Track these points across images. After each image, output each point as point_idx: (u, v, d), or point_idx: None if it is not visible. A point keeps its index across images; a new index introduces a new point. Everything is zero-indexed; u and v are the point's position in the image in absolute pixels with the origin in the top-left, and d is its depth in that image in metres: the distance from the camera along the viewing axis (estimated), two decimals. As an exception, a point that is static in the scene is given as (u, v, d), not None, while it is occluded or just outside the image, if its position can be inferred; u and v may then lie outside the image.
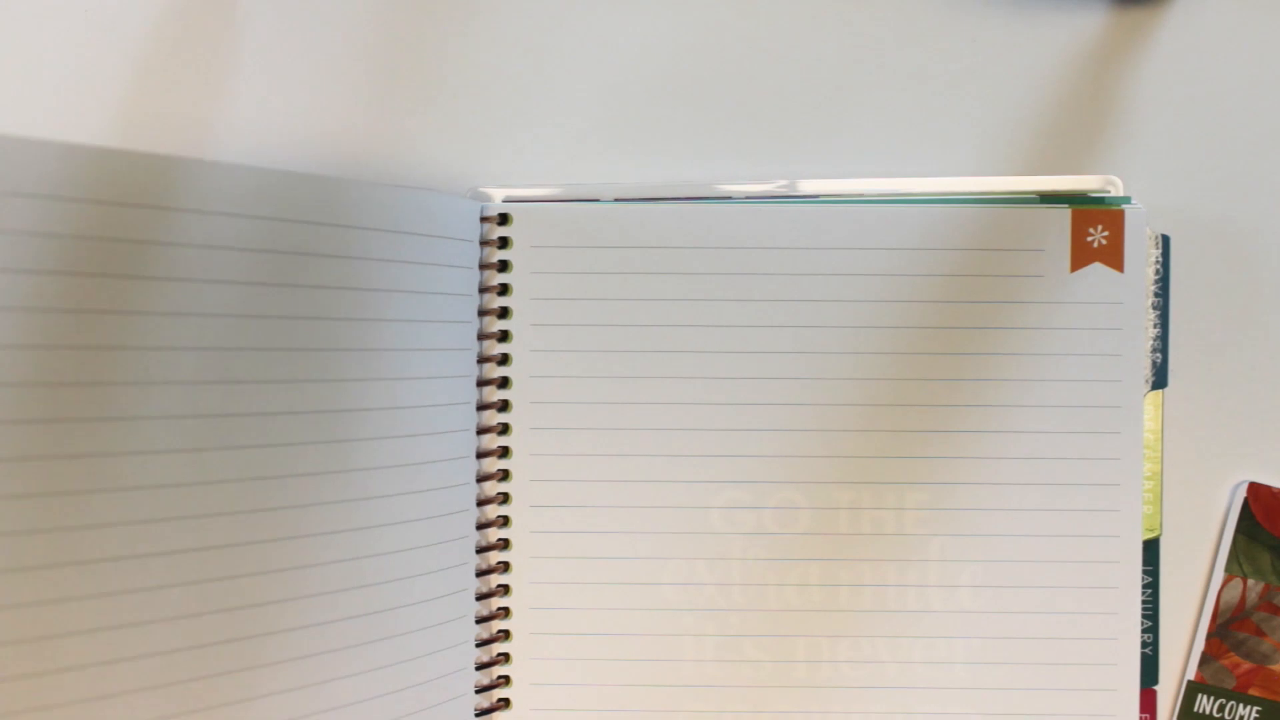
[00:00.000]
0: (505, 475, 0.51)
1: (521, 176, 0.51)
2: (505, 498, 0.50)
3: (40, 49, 0.50)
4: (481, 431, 0.50)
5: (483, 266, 0.50)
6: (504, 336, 0.50)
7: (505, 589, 0.51)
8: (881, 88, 0.51)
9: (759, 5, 0.51)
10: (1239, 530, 0.50)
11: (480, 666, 0.50)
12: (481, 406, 0.50)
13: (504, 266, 0.50)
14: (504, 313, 0.50)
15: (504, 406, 0.50)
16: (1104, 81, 0.51)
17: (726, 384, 0.50)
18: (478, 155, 0.52)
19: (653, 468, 0.50)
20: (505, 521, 0.50)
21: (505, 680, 0.51)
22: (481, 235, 0.50)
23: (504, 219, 0.50)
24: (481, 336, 0.50)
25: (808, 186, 0.50)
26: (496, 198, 0.51)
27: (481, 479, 0.50)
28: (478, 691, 0.50)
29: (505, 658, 0.51)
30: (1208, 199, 0.51)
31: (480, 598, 0.50)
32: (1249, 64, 0.51)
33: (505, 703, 0.51)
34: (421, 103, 0.51)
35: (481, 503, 0.50)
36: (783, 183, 0.51)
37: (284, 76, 0.51)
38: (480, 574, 0.50)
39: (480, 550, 0.50)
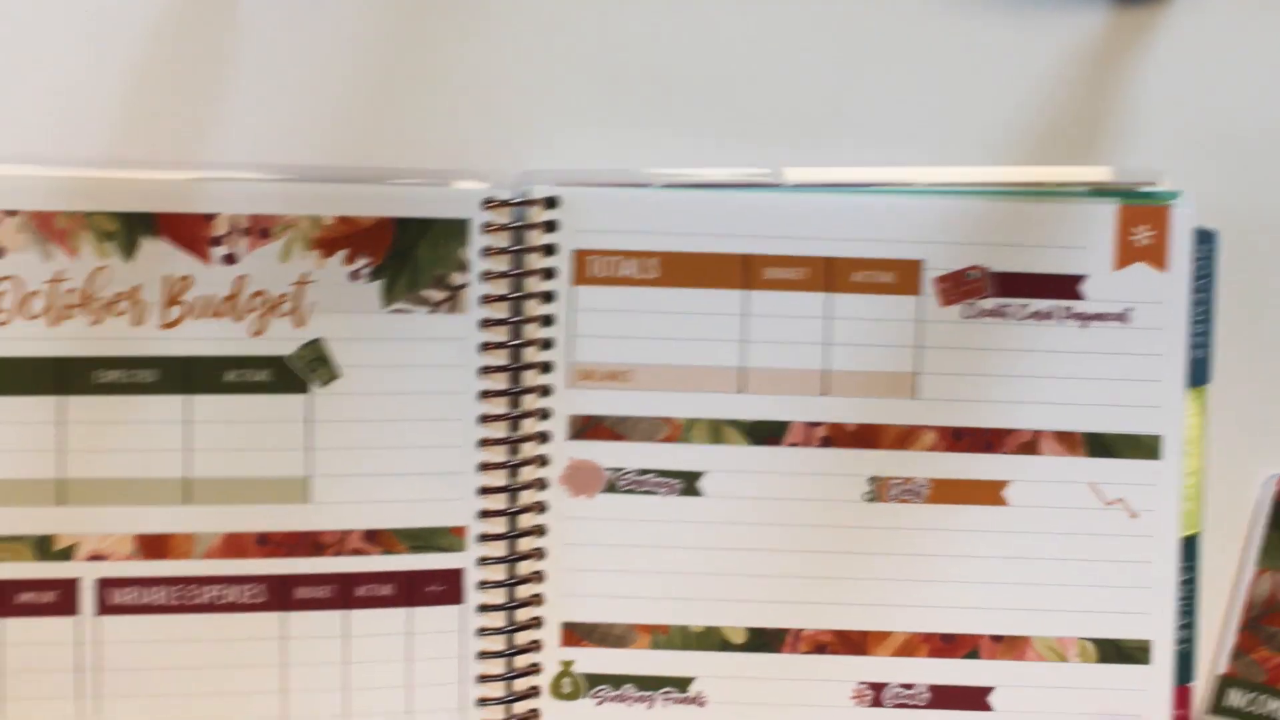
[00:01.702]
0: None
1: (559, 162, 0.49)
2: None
3: (38, 52, 0.47)
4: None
5: (528, 250, 0.48)
6: (547, 321, 0.48)
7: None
8: (882, 88, 0.50)
9: (759, 4, 0.50)
10: (1271, 524, 0.51)
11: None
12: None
13: (549, 250, 0.48)
14: (548, 297, 0.48)
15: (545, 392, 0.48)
16: (1104, 82, 0.51)
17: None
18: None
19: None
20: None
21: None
22: (527, 218, 0.48)
23: (551, 203, 0.48)
24: (527, 320, 0.48)
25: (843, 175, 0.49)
26: (541, 182, 0.49)
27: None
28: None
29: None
30: (1207, 198, 0.51)
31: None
32: (1249, 64, 0.51)
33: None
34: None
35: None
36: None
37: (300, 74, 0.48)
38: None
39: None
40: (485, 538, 0.49)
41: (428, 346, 0.48)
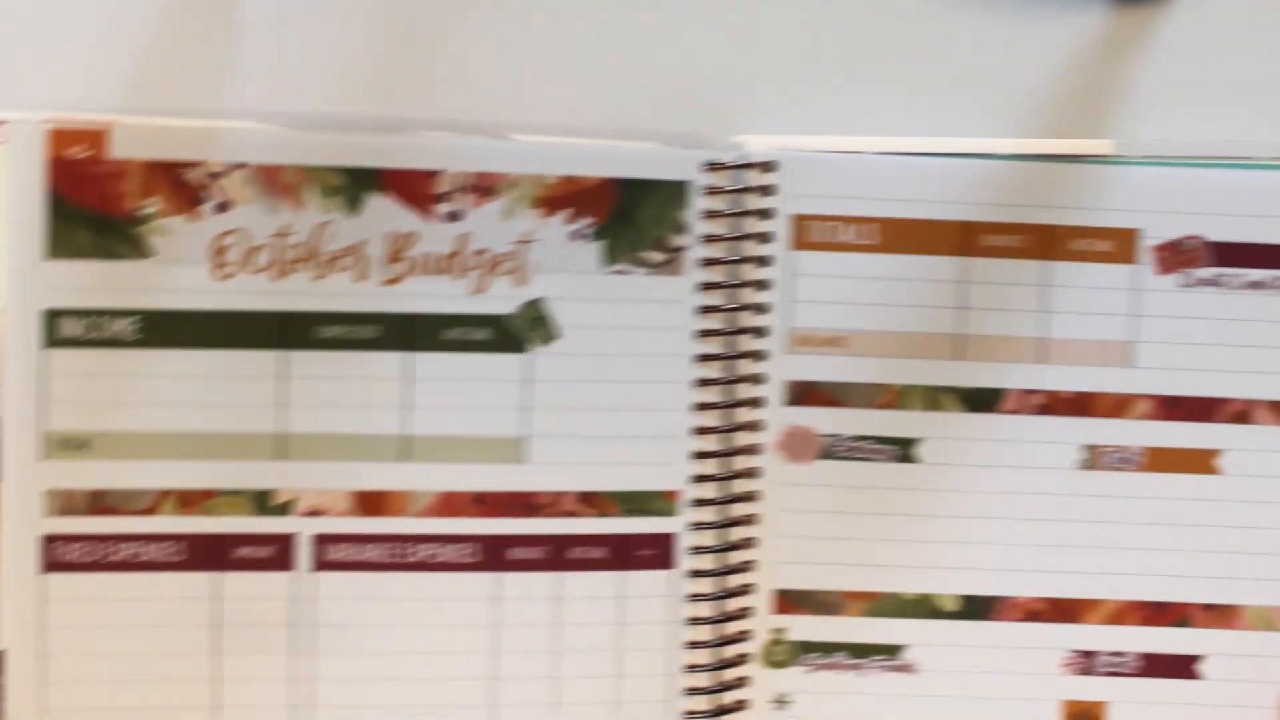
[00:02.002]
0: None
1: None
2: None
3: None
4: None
5: (747, 214, 0.47)
6: (763, 286, 0.48)
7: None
8: (882, 88, 0.50)
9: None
10: None
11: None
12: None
13: (767, 215, 0.48)
14: (765, 262, 0.48)
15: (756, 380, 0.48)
16: (1104, 82, 0.50)
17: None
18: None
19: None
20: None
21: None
22: (746, 182, 0.47)
23: (769, 167, 0.47)
24: (745, 284, 0.48)
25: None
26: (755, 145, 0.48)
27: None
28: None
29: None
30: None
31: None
32: (1249, 64, 0.51)
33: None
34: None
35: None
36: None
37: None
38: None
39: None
40: (697, 503, 0.48)
41: (646, 308, 0.47)
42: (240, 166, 0.45)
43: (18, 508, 0.44)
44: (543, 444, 0.47)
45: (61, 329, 0.44)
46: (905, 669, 0.49)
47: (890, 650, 0.49)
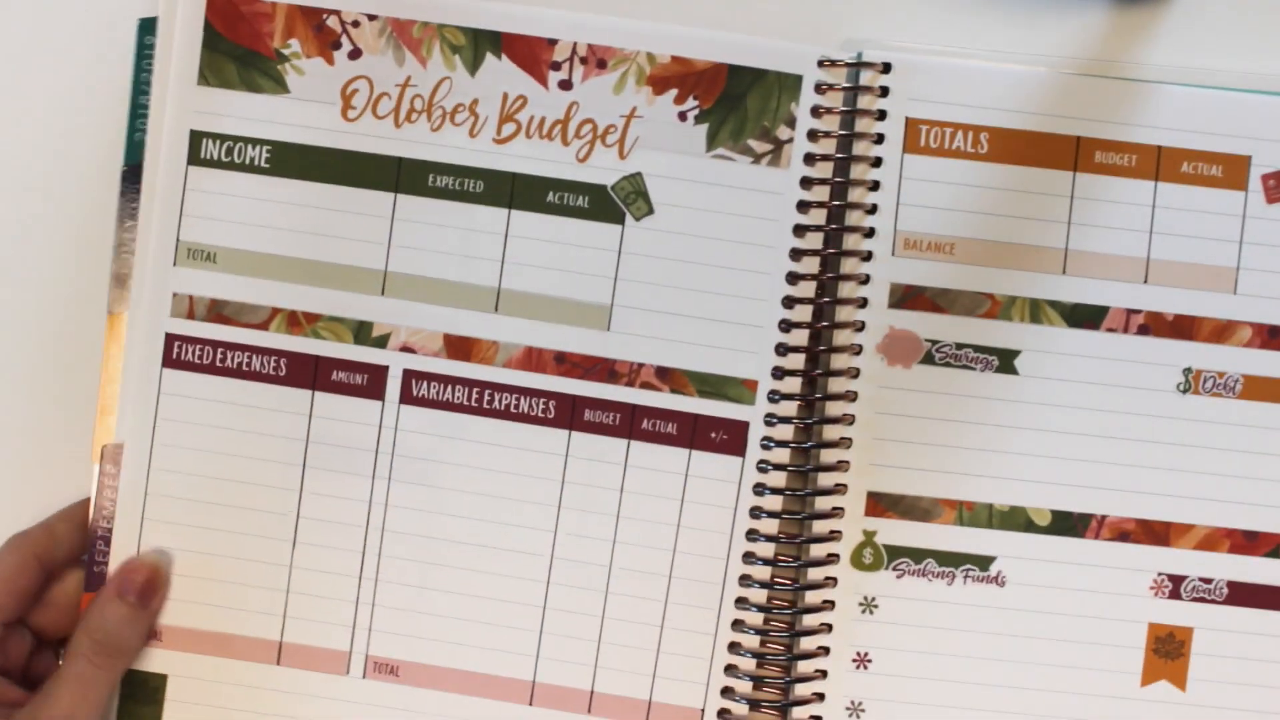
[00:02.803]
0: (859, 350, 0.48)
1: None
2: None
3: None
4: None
5: (859, 113, 0.48)
6: (874, 187, 0.48)
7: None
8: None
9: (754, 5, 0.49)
10: None
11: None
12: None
13: (881, 116, 0.48)
14: (877, 163, 0.48)
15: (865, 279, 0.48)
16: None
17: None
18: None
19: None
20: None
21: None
22: (861, 81, 0.48)
23: (886, 68, 0.47)
24: (852, 183, 0.48)
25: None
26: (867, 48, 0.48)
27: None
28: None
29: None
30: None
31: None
32: (1249, 64, 0.49)
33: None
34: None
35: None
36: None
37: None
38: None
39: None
40: (782, 396, 0.48)
41: (745, 196, 0.48)
42: (374, 18, 0.48)
43: (148, 308, 0.49)
44: (627, 314, 0.49)
45: (203, 149, 0.48)
46: (994, 580, 0.49)
47: (980, 561, 0.49)
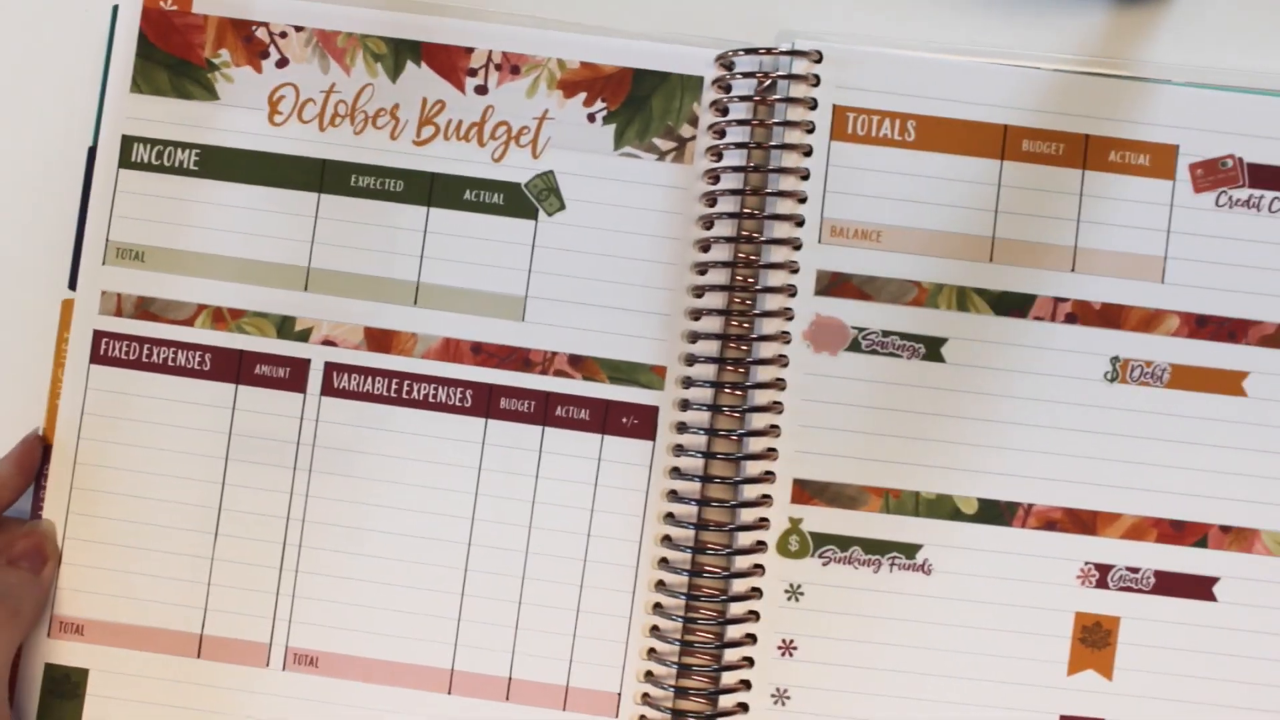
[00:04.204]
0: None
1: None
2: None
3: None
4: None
5: (783, 100, 0.49)
6: (806, 176, 0.50)
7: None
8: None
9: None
10: None
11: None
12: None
13: (814, 105, 0.49)
14: (808, 152, 0.49)
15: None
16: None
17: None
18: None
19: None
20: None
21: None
22: (792, 71, 0.49)
23: (811, 57, 0.49)
24: (776, 171, 0.50)
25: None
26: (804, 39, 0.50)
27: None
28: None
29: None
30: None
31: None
32: (1249, 64, 0.49)
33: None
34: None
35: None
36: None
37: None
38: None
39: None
40: (691, 382, 0.49)
41: (651, 191, 0.50)
42: (300, 29, 0.51)
43: (82, 306, 0.50)
44: (541, 305, 0.50)
45: (134, 153, 0.51)
46: (920, 569, 0.49)
47: (907, 549, 0.49)
